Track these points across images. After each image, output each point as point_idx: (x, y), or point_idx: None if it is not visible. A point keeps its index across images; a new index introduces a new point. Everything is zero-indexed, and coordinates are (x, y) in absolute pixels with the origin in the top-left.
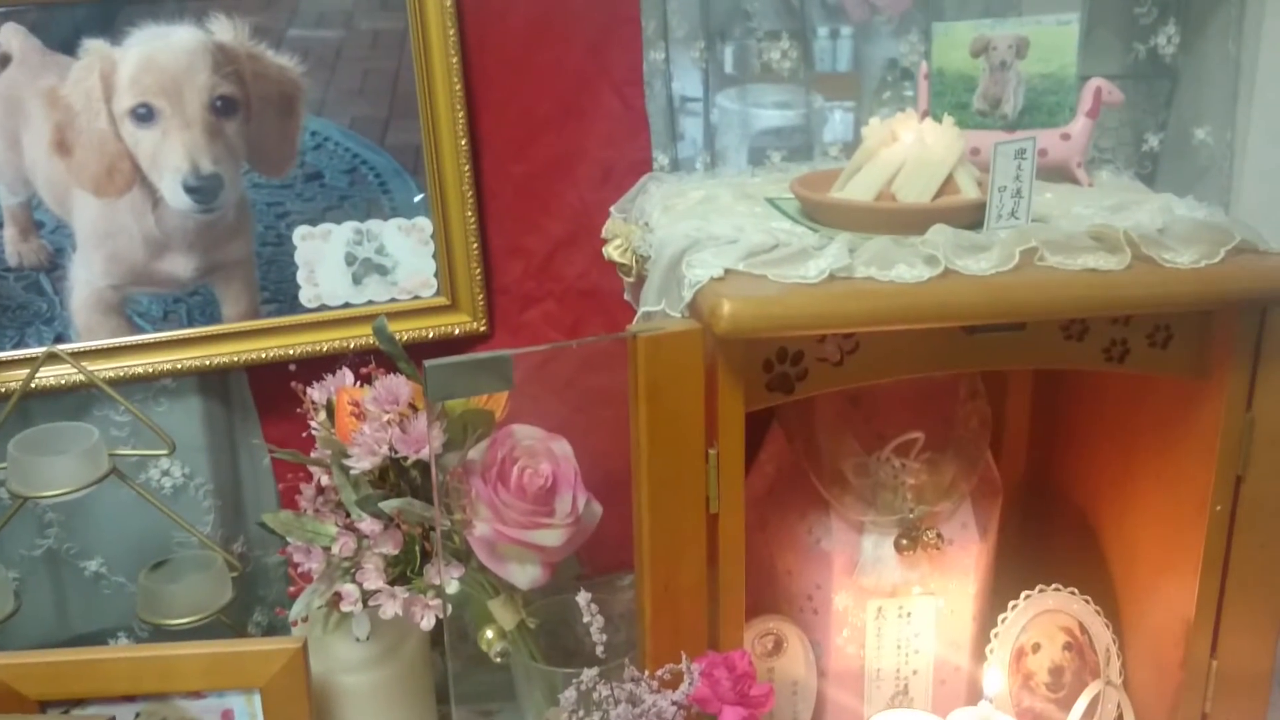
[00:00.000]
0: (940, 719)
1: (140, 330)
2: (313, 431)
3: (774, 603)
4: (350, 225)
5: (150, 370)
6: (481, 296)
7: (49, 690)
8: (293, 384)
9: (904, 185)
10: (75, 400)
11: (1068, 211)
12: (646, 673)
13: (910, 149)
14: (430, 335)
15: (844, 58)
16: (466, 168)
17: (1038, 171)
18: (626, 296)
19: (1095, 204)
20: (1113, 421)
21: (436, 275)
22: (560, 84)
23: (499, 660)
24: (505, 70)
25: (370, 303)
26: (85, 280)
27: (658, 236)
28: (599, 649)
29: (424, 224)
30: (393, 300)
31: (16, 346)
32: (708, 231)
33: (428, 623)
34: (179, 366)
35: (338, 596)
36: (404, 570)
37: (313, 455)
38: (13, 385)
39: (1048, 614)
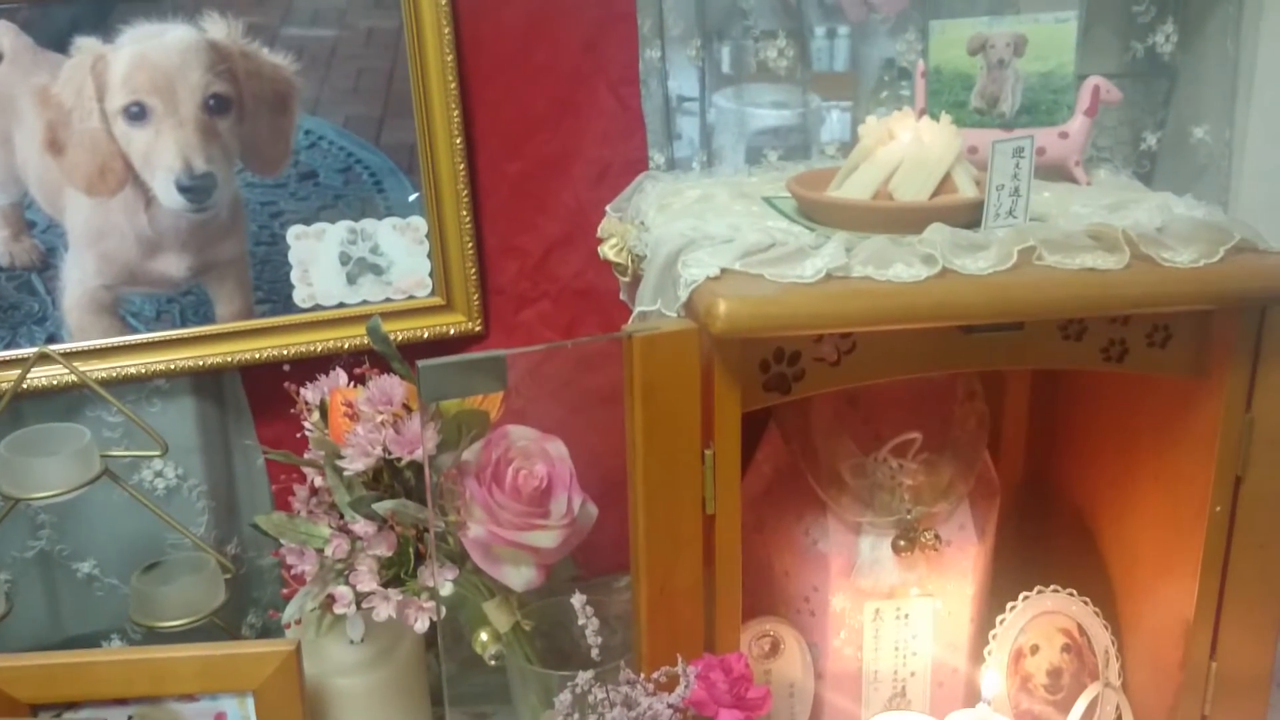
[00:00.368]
0: None
1: (133, 330)
2: (306, 432)
3: (771, 604)
4: (344, 225)
5: (143, 371)
6: (476, 296)
7: (41, 693)
8: (286, 384)
9: (901, 184)
10: (67, 401)
11: (1066, 210)
12: (642, 675)
13: (907, 148)
14: (425, 335)
15: (841, 57)
16: (461, 167)
17: (1035, 170)
18: (622, 296)
19: (1093, 203)
20: (1111, 422)
21: (431, 275)
22: (556, 82)
23: (494, 663)
24: (500, 69)
25: (365, 303)
26: (78, 280)
27: (653, 236)
28: (594, 651)
29: (419, 223)
30: (387, 300)
31: (8, 347)
32: (704, 231)
33: (422, 625)
34: (172, 367)
35: (331, 599)
36: (398, 572)
37: (306, 456)
38: (4, 386)
39: (1046, 615)
